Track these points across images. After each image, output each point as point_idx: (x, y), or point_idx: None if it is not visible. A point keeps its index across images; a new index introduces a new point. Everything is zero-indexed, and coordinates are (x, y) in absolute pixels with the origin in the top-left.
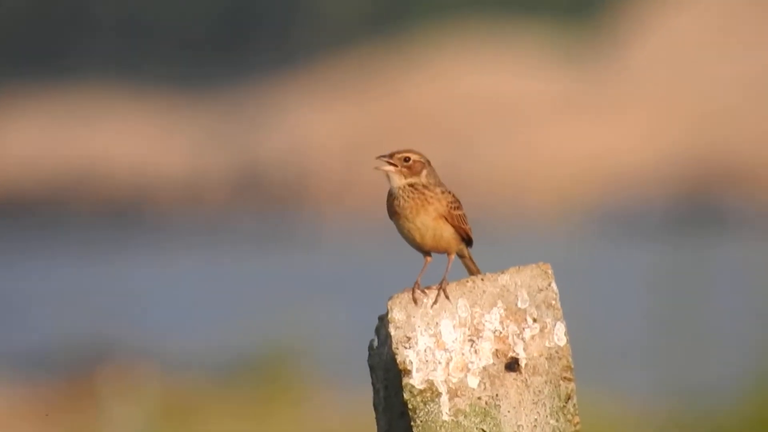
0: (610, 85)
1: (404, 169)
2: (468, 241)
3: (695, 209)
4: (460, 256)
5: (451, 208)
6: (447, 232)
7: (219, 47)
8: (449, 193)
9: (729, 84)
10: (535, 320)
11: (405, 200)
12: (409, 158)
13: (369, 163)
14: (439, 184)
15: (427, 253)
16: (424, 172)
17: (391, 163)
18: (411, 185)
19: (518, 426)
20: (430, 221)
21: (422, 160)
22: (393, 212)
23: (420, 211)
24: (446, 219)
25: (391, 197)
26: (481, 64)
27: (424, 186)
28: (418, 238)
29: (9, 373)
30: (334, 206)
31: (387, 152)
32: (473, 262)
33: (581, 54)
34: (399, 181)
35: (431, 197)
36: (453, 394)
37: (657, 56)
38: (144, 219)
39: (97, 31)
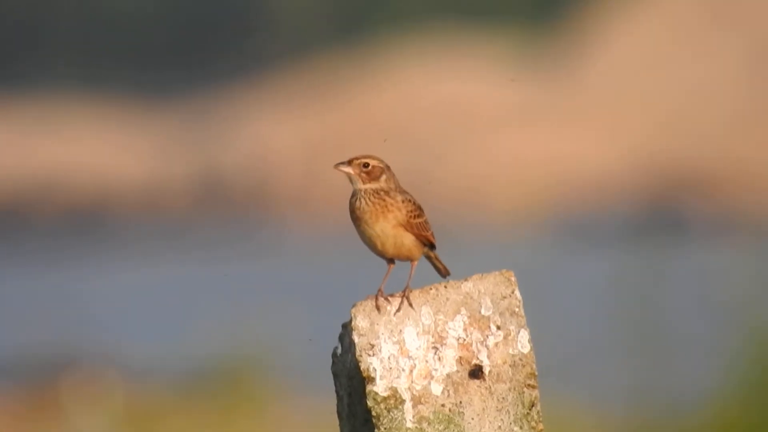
0: (572, 92)
1: (363, 175)
2: (431, 246)
3: (657, 216)
4: (426, 256)
5: (411, 216)
6: (408, 240)
7: (180, 54)
8: (410, 201)
9: (690, 91)
10: (498, 327)
11: (366, 203)
12: (368, 164)
13: (330, 170)
14: (401, 191)
15: (390, 260)
16: (383, 177)
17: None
18: (374, 190)
19: None
20: (389, 229)
21: (381, 165)
22: (354, 216)
23: (379, 217)
24: (405, 228)
25: (353, 198)
26: (442, 72)
27: (386, 192)
28: (379, 245)
29: None
30: (297, 213)
31: (346, 159)
32: (440, 261)
33: (543, 61)
34: (359, 184)
35: (391, 204)
36: (417, 401)
37: (618, 63)
38: (105, 227)
39: (56, 38)
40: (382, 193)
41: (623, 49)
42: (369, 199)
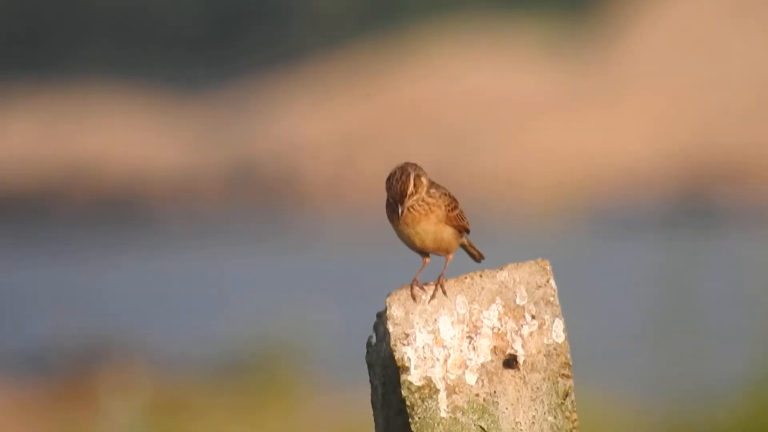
0: (605, 82)
1: (416, 196)
2: (466, 231)
3: (691, 206)
4: (461, 245)
5: (448, 210)
6: (447, 233)
7: (212, 44)
8: (445, 195)
9: (725, 80)
10: (533, 317)
11: (410, 211)
12: (407, 190)
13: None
14: (435, 185)
15: (426, 254)
16: (424, 181)
17: (411, 207)
18: (418, 197)
19: (516, 423)
20: (430, 227)
21: (417, 172)
22: (395, 221)
23: (422, 219)
24: (445, 222)
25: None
26: (475, 60)
27: (428, 194)
28: (418, 243)
29: (3, 374)
30: (330, 203)
31: (399, 207)
32: (473, 247)
33: (577, 49)
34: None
35: (433, 204)
36: (451, 390)
37: (652, 52)
38: (138, 216)
39: (90, 28)
40: (425, 195)
41: (656, 39)
42: (413, 207)
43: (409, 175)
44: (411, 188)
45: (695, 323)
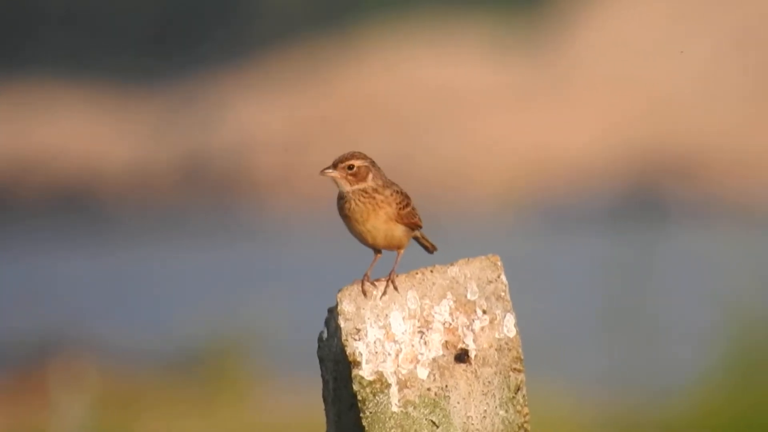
0: (557, 76)
1: (350, 177)
2: (418, 227)
3: (641, 199)
4: (413, 237)
5: (400, 208)
6: (398, 231)
7: (166, 38)
8: (397, 192)
9: (677, 74)
10: (484, 312)
11: (356, 204)
12: (353, 165)
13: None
14: (388, 184)
15: (377, 250)
16: (370, 176)
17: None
18: (362, 190)
19: (467, 417)
20: (381, 224)
21: (366, 163)
22: (344, 215)
23: (371, 215)
24: (396, 220)
25: (342, 200)
26: (428, 55)
27: (374, 189)
28: (369, 239)
29: None
30: (283, 198)
31: (330, 164)
32: (426, 240)
33: (527, 44)
34: (347, 186)
35: (381, 201)
36: (402, 385)
37: (606, 46)
38: (90, 211)
39: (43, 23)
40: (370, 190)
41: (605, 33)
42: (358, 199)
43: (364, 158)
44: (356, 166)
45: (647, 316)
